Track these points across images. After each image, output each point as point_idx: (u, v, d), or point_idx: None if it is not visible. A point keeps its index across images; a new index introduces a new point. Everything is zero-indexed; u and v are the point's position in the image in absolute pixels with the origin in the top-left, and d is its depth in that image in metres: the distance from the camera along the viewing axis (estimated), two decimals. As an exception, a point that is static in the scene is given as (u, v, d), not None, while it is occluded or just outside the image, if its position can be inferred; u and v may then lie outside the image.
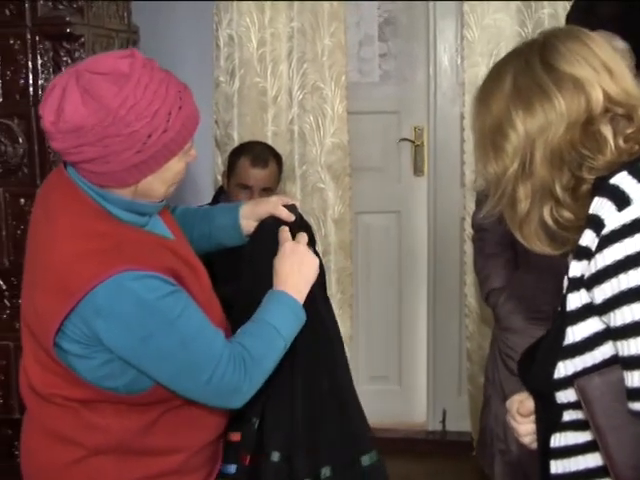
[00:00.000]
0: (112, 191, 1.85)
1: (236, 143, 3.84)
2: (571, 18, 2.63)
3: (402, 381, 4.42)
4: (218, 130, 3.98)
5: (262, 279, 2.01)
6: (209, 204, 3.55)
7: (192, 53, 4.02)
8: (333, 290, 4.00)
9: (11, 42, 3.12)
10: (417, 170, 4.26)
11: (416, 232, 4.31)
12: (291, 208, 2.11)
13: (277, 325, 1.92)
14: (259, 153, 3.42)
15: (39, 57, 3.12)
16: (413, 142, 4.23)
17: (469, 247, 3.77)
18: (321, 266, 2.05)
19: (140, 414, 1.90)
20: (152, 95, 1.76)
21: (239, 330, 1.94)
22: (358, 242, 4.28)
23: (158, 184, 1.87)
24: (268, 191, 3.39)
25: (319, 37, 3.86)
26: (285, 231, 2.03)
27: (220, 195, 3.59)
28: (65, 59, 3.10)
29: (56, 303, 1.78)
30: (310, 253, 2.00)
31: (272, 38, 3.89)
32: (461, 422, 4.20)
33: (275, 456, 1.95)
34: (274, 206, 2.11)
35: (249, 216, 2.15)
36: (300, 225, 2.11)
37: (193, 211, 2.29)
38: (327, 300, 2.15)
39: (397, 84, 4.28)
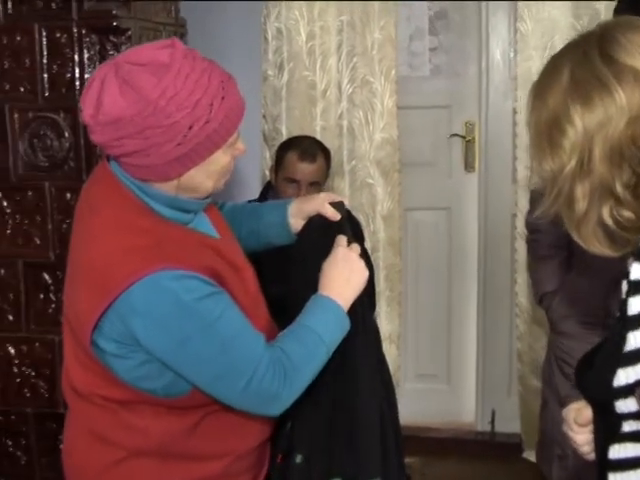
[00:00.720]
0: (155, 186, 1.81)
1: (284, 137, 3.79)
2: (618, 10, 2.54)
3: (451, 380, 4.34)
4: (266, 124, 3.94)
5: (311, 280, 1.95)
6: (257, 199, 3.52)
7: (240, 46, 3.98)
8: (382, 287, 3.95)
9: (57, 36, 3.09)
10: (468, 166, 4.17)
11: (466, 229, 4.23)
12: (338, 206, 2.04)
13: (320, 332, 1.85)
14: (307, 147, 3.38)
15: (85, 51, 3.08)
16: (464, 137, 4.15)
17: (520, 245, 3.70)
18: (371, 277, 1.98)
19: (180, 417, 1.85)
20: (193, 85, 1.70)
21: (280, 334, 1.88)
22: (407, 239, 4.21)
23: (203, 178, 1.81)
24: (316, 186, 3.35)
25: (369, 30, 3.80)
26: (342, 237, 1.95)
27: (268, 190, 3.55)
28: (111, 52, 3.06)
29: (94, 299, 1.74)
30: (361, 263, 1.93)
31: (321, 31, 3.83)
32: (511, 423, 4.11)
33: (298, 458, 1.90)
34: (321, 204, 2.04)
35: (297, 214, 2.09)
36: (346, 223, 2.05)
37: (241, 208, 2.25)
38: (372, 312, 2.10)
39: (448, 78, 4.20)
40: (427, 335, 4.32)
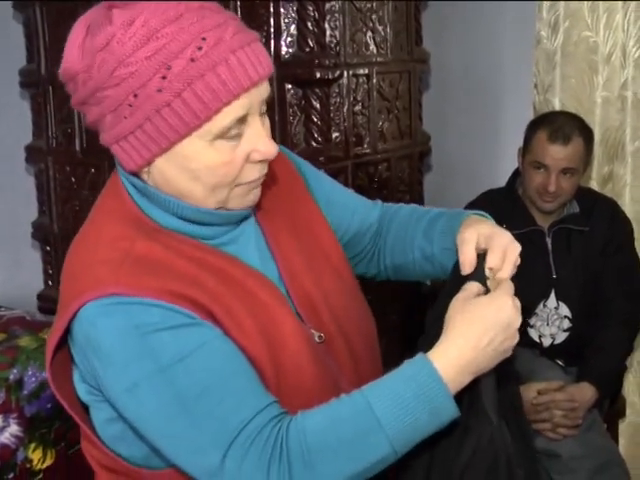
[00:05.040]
0: (143, 178, 1.37)
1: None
2: None
3: None
4: (537, 96, 3.28)
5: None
6: (503, 189, 2.99)
7: (512, 2, 3.36)
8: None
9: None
10: None
11: None
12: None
13: (383, 416, 1.22)
14: (561, 125, 2.77)
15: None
16: None
17: None
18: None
19: None
20: (149, 35, 1.23)
21: (318, 407, 1.28)
22: None
23: (181, 178, 1.32)
24: (571, 174, 2.75)
25: (665, -23, 3.01)
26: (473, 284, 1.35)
27: (516, 178, 2.97)
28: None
29: (55, 324, 1.34)
30: (516, 314, 1.29)
31: (609, -21, 3.09)
32: None
33: None
34: (465, 240, 1.41)
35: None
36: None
37: (419, 219, 1.64)
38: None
39: None
40: None
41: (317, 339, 1.42)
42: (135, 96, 1.24)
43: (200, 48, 1.23)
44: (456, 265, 1.44)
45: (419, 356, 1.26)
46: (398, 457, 1.24)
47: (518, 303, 1.30)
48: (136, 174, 1.36)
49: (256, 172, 1.35)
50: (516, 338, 1.30)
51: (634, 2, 3.05)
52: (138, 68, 1.23)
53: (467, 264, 1.38)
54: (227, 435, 1.22)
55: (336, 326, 1.46)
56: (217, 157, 1.30)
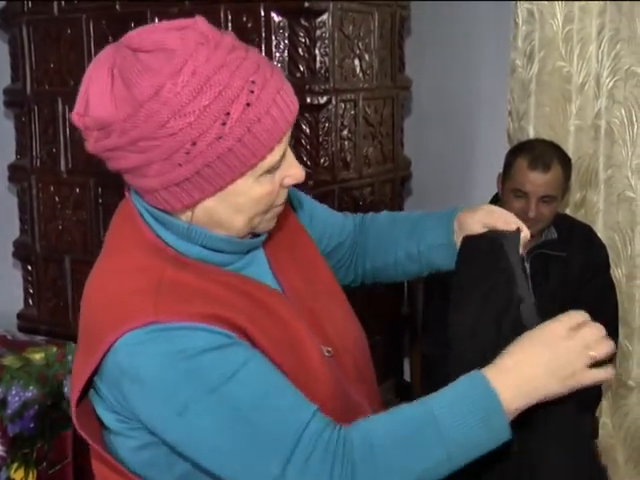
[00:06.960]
0: (172, 214, 1.39)
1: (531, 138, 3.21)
2: None
3: None
4: (512, 123, 3.35)
5: (468, 331, 1.47)
6: None
7: (489, 32, 3.46)
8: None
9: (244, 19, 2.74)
10: None
11: None
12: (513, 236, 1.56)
13: (444, 427, 1.27)
14: (540, 154, 2.83)
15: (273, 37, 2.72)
16: None
17: None
18: None
19: None
20: (202, 83, 1.25)
21: (383, 414, 1.33)
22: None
23: (228, 213, 1.37)
24: (550, 200, 2.80)
25: (639, 11, 3.10)
26: (571, 316, 1.35)
27: (496, 203, 3.02)
28: (303, 40, 2.68)
29: (82, 359, 1.36)
30: (587, 359, 1.31)
31: (581, 13, 3.17)
32: None
33: None
34: (487, 215, 1.58)
35: (459, 230, 1.62)
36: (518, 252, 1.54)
37: (400, 224, 1.76)
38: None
39: None
40: None
41: (326, 353, 1.48)
42: (194, 144, 1.27)
43: (252, 92, 1.28)
44: (462, 247, 1.60)
45: (484, 377, 1.29)
46: (450, 468, 1.29)
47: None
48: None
49: (284, 195, 1.43)
50: (585, 372, 1.30)
51: (608, 34, 3.15)
52: (197, 118, 1.25)
53: (507, 222, 1.58)
54: (289, 438, 1.26)
55: (340, 341, 1.53)
56: (262, 189, 1.36)
